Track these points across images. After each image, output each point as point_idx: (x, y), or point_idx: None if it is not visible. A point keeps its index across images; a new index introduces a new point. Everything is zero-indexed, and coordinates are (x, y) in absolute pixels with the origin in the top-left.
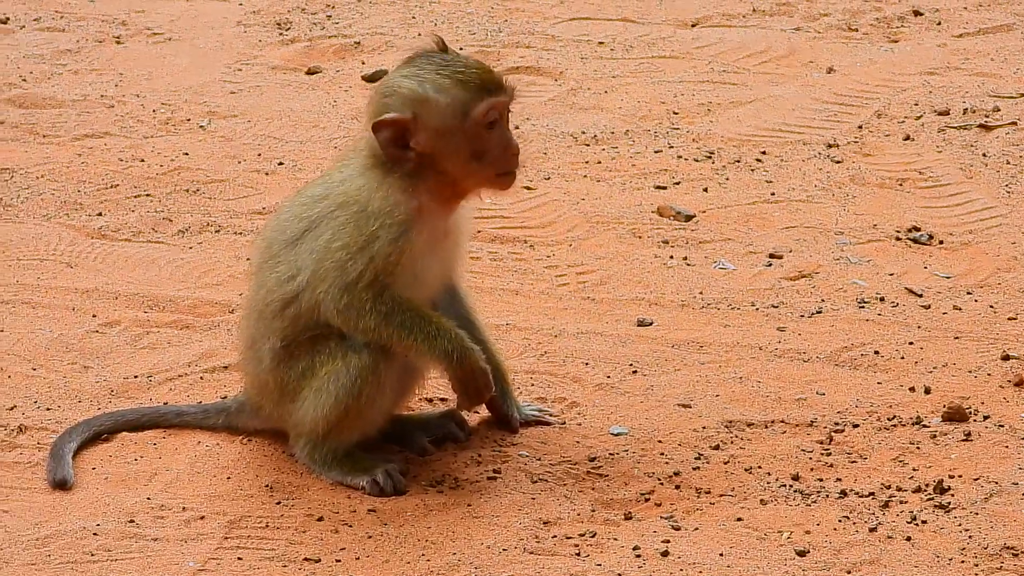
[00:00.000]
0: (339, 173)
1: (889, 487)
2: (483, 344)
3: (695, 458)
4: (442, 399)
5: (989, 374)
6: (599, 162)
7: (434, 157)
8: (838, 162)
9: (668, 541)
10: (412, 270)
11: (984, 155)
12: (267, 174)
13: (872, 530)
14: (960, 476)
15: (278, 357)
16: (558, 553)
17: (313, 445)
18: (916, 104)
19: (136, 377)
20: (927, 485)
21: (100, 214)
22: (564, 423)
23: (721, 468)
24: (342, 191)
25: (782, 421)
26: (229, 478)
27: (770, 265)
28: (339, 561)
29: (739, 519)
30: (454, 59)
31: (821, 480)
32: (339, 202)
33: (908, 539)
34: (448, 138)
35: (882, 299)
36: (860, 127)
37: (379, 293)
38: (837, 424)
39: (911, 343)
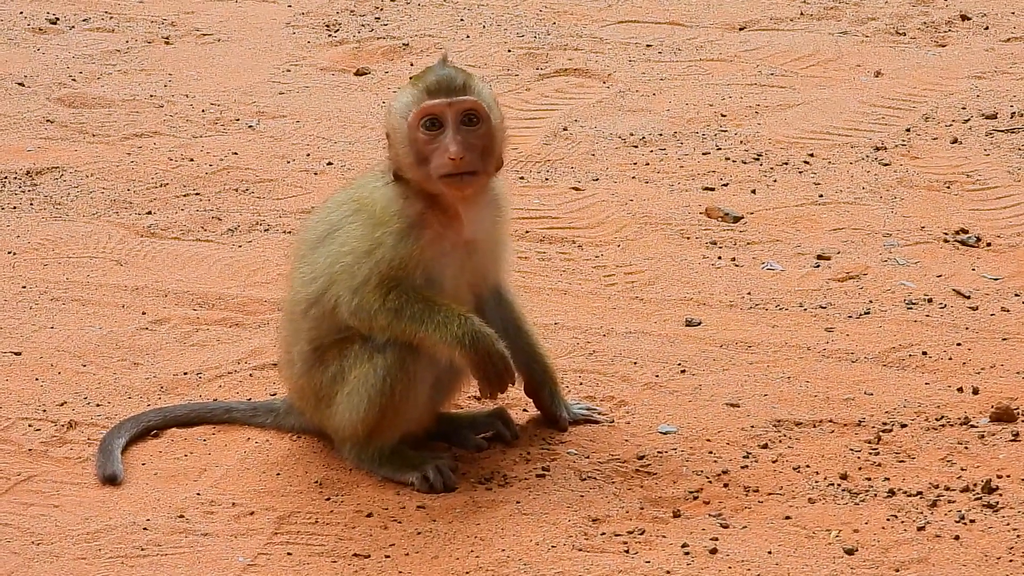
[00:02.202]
0: (362, 179)
1: (937, 486)
2: (531, 347)
3: (743, 457)
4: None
5: None
6: (647, 164)
7: (397, 164)
8: (886, 164)
9: (716, 539)
10: (423, 275)
11: None
12: (316, 174)
13: (920, 529)
14: (1008, 476)
15: (309, 361)
16: (607, 550)
17: (360, 448)
18: (964, 108)
19: (186, 374)
20: (975, 485)
21: (150, 212)
22: (613, 422)
23: (769, 467)
24: (358, 197)
25: (830, 421)
26: (278, 474)
27: (818, 266)
28: (388, 557)
29: (787, 517)
30: (431, 68)
31: (869, 479)
32: (354, 208)
33: (956, 538)
34: (397, 143)
35: (930, 300)
36: (908, 130)
37: (387, 291)
38: (885, 424)
39: (959, 344)
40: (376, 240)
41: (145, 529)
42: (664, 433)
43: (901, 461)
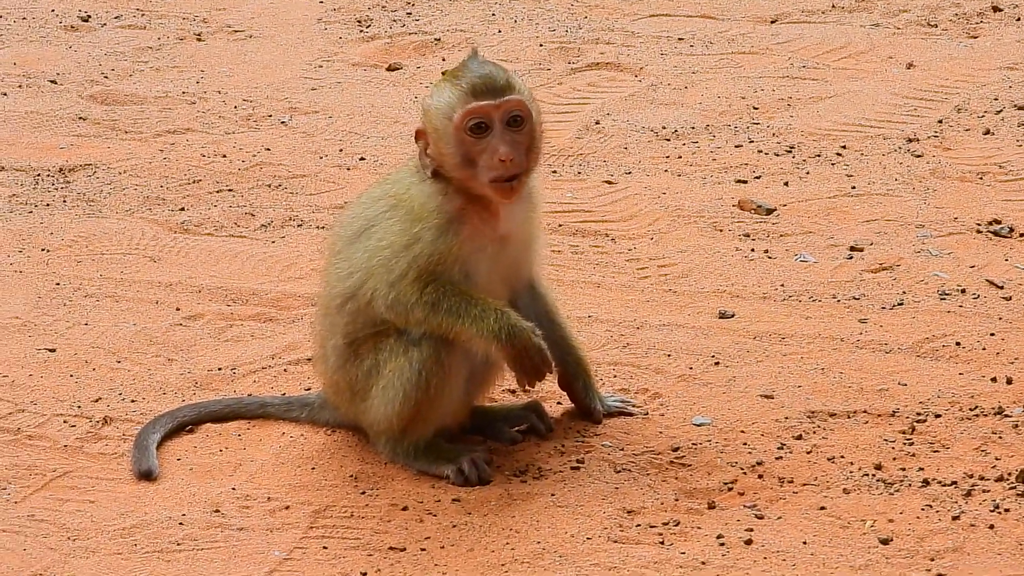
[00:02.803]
0: (396, 174)
1: (972, 476)
2: (565, 340)
3: (778, 448)
4: (525, 391)
5: None
6: (680, 157)
7: (439, 163)
8: (918, 156)
9: (751, 530)
10: (460, 270)
11: None
12: (348, 169)
13: (955, 518)
14: None
15: (344, 356)
16: (642, 542)
17: (394, 442)
18: (996, 99)
19: (220, 369)
20: (1009, 474)
21: (183, 209)
22: (647, 414)
23: (804, 458)
24: (394, 192)
25: (864, 411)
26: (314, 468)
27: (851, 258)
28: (424, 550)
29: (822, 508)
30: (468, 66)
31: (904, 469)
32: (391, 203)
33: (991, 527)
34: (440, 143)
35: (963, 291)
36: (940, 121)
37: (424, 285)
38: (919, 414)
39: (992, 334)
40: (414, 235)
41: (181, 524)
42: (698, 425)
43: (935, 451)
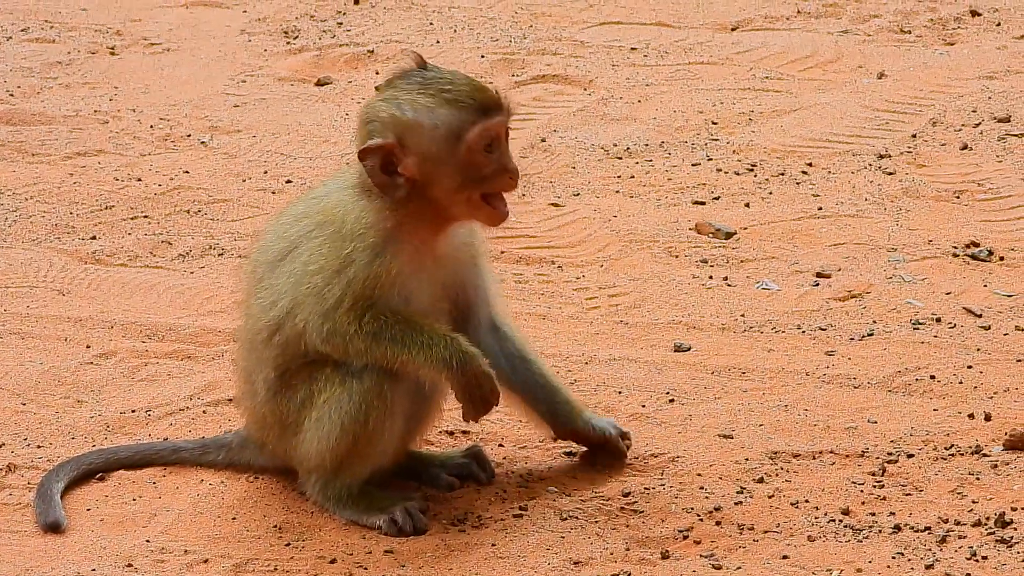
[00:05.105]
0: (322, 188)
1: (947, 521)
2: (547, 381)
3: (737, 492)
4: (464, 432)
5: None
6: (632, 176)
7: (423, 183)
8: (890, 174)
9: None
10: (400, 294)
11: None
12: (274, 193)
13: (929, 567)
14: (1023, 508)
15: (274, 388)
16: None
17: (324, 481)
18: (974, 111)
19: (133, 411)
20: (988, 518)
21: (94, 237)
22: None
23: (765, 502)
24: (320, 209)
25: (831, 452)
26: (234, 518)
27: (817, 285)
28: None
29: (785, 556)
30: (438, 77)
31: (873, 514)
32: (317, 221)
33: None
34: (439, 164)
35: (938, 320)
36: (914, 136)
37: (362, 313)
38: (890, 454)
39: (970, 367)
40: (347, 257)
41: None
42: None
43: (908, 494)
